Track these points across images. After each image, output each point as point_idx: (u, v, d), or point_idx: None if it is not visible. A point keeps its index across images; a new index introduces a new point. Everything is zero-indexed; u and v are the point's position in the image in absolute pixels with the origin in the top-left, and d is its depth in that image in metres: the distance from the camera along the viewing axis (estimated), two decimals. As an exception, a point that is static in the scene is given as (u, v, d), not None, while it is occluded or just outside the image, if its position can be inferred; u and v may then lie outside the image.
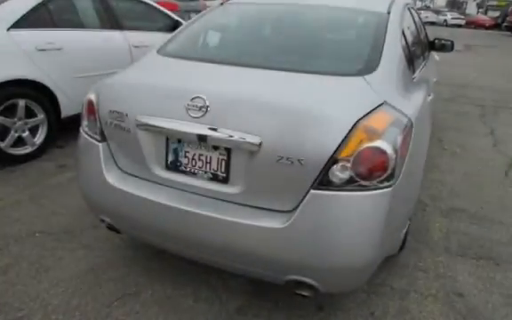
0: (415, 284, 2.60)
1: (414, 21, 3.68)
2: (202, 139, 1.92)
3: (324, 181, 1.78)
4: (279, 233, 1.83)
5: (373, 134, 1.78)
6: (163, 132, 2.02)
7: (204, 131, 1.91)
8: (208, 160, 2.00)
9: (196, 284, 2.52)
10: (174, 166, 2.08)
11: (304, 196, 1.80)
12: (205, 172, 2.02)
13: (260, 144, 1.82)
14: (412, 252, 2.90)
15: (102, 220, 2.33)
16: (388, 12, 2.63)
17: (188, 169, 2.05)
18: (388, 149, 1.77)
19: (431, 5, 51.22)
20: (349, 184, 1.78)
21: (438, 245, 3.02)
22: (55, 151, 4.45)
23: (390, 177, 1.80)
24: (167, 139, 2.06)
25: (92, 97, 2.26)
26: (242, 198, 1.96)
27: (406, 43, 2.78)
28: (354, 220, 1.81)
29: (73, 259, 2.70)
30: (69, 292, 2.41)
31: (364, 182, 1.78)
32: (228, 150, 1.93)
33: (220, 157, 1.97)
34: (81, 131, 2.36)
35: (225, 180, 1.99)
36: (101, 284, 2.49)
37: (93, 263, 2.66)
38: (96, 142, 2.23)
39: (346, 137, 1.76)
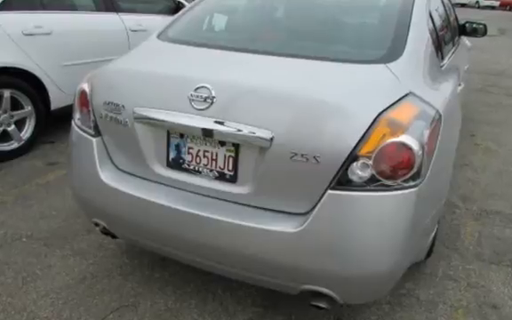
0: (444, 294, 2.59)
1: (443, 3, 3.66)
2: (207, 133, 1.92)
3: (342, 180, 1.78)
4: (292, 237, 1.84)
5: (397, 128, 1.77)
6: (164, 125, 2.03)
7: (210, 124, 1.92)
8: (214, 157, 2.01)
9: (200, 294, 2.53)
10: (176, 164, 2.09)
11: (320, 197, 1.80)
12: (211, 171, 2.02)
13: (272, 139, 1.82)
14: (440, 259, 2.89)
15: (96, 224, 2.35)
16: (414, -8, 2.60)
17: (191, 167, 2.06)
18: (414, 145, 1.77)
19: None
20: (371, 183, 1.78)
21: (470, 251, 3.02)
22: (44, 147, 4.49)
23: (416, 176, 1.80)
24: (168, 133, 2.07)
25: (85, 87, 2.28)
26: (251, 199, 1.97)
27: (434, 26, 2.76)
28: (375, 224, 1.81)
29: (64, 267, 2.72)
30: (60, 304, 2.44)
31: (386, 181, 1.78)
32: (236, 146, 1.93)
33: (228, 154, 1.98)
34: (73, 124, 2.37)
35: (232, 180, 1.99)
36: (95, 294, 2.51)
37: (86, 272, 2.68)
38: (89, 137, 2.25)
39: (367, 131, 1.76)
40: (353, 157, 1.76)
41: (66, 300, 2.46)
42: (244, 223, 1.93)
